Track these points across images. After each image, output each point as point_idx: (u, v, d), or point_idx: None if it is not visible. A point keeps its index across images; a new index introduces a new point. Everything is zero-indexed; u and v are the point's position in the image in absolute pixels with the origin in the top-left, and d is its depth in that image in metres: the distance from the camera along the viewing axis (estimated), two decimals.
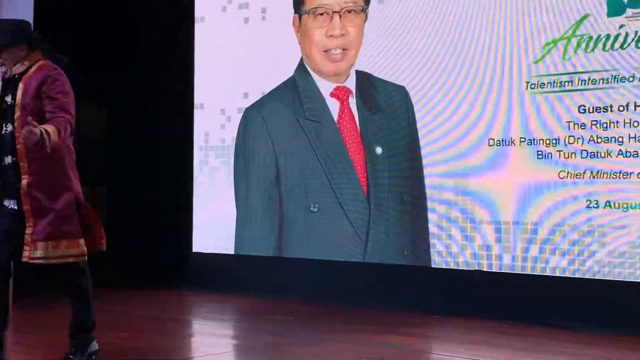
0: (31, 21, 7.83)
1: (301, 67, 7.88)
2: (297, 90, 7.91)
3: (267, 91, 8.05)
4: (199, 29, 8.53)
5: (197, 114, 8.57)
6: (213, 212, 8.43)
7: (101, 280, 9.53)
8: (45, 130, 3.95)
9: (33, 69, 4.37)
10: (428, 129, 7.06)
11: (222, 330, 6.75)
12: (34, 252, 4.38)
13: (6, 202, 4.42)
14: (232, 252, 8.25)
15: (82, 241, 4.51)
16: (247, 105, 8.14)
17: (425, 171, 7.04)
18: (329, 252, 7.56)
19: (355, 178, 7.43)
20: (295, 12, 7.85)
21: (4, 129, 4.37)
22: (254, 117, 8.10)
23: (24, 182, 4.30)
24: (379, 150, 7.32)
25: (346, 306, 7.24)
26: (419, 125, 7.11)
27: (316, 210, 7.61)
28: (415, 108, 7.13)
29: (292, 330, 6.28)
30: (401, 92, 7.19)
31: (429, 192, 7.02)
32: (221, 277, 8.30)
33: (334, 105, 7.61)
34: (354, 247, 7.39)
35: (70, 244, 4.46)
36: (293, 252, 7.87)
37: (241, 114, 8.17)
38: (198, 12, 8.51)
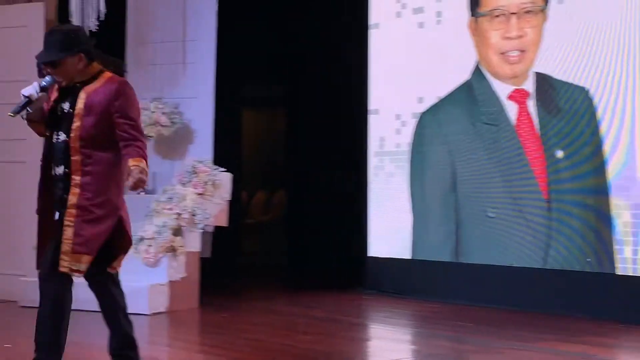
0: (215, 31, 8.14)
1: (477, 70, 7.79)
2: (473, 94, 7.82)
3: (442, 95, 8.01)
4: (374, 35, 8.59)
5: (372, 120, 8.63)
6: (389, 217, 8.46)
7: (281, 283, 9.89)
8: (144, 170, 3.96)
9: (100, 81, 4.15)
10: (612, 130, 6.81)
11: (400, 335, 6.81)
12: (76, 265, 4.14)
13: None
14: (409, 257, 8.23)
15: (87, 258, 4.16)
16: (423, 110, 8.13)
17: (609, 174, 6.79)
18: (508, 258, 7.44)
19: (534, 183, 7.29)
20: (471, 15, 7.79)
21: (56, 137, 4.14)
22: (430, 121, 8.09)
23: (72, 196, 4.06)
24: (559, 154, 7.13)
25: (526, 313, 7.10)
26: (602, 126, 6.87)
27: (494, 215, 7.51)
28: (598, 109, 6.90)
29: (472, 337, 6.24)
30: (583, 94, 6.97)
31: (613, 195, 6.77)
32: (398, 282, 8.32)
33: (511, 109, 7.48)
34: (534, 253, 7.24)
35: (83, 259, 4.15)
36: (471, 257, 7.79)
37: (416, 119, 8.17)
38: (372, 18, 8.57)
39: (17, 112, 4.13)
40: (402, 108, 8.31)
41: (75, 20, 7.72)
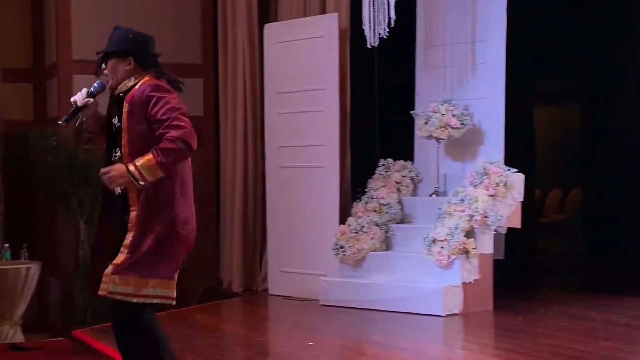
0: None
1: None
2: None
3: None
4: None
5: None
6: None
7: (579, 285, 9.59)
8: (135, 167, 3.71)
9: (137, 86, 3.94)
10: None
11: None
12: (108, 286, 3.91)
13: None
14: None
15: (152, 281, 3.95)
16: None
17: None
18: None
19: None
20: None
21: (114, 154, 3.98)
22: None
23: (133, 214, 3.90)
24: None
25: None
26: None
27: None
28: None
29: None
30: None
31: None
32: None
33: None
34: None
35: (140, 283, 3.92)
36: None
37: None
38: None
39: (66, 120, 4.03)
40: None
41: (367, 27, 7.98)
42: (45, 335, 8.55)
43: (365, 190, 8.58)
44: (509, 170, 7.73)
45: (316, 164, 8.84)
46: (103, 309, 8.74)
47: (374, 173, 8.69)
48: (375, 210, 8.29)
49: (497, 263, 7.73)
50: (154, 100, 3.84)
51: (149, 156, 3.73)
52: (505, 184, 7.61)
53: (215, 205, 10.33)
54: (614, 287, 8.65)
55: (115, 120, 3.98)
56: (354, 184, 8.91)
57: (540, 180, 11.66)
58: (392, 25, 7.80)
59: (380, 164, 8.70)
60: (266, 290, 9.28)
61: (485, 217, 7.42)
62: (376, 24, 7.88)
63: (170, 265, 4.00)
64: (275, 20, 9.65)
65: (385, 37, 7.88)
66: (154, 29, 9.94)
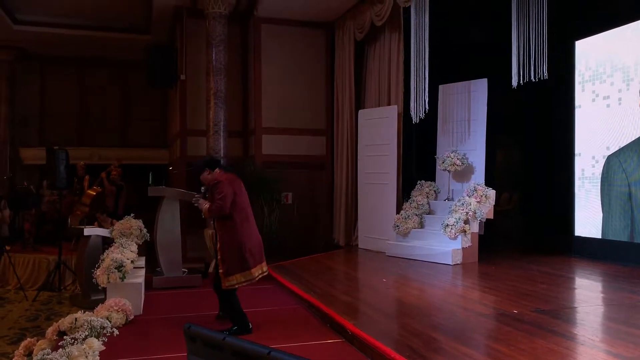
0: None
1: None
2: None
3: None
4: None
5: None
6: None
7: (521, 248, 8.78)
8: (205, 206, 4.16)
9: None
10: None
11: None
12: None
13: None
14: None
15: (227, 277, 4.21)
16: None
17: None
18: None
19: None
20: None
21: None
22: None
23: (219, 245, 4.21)
24: None
25: None
26: None
27: None
28: None
29: None
30: None
31: None
32: None
33: None
34: None
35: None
36: None
37: None
38: None
39: (202, 193, 4.46)
40: None
41: (412, 112, 7.29)
42: None
43: (410, 196, 8.46)
44: (488, 188, 7.54)
45: (384, 182, 8.72)
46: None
47: (414, 187, 8.54)
48: (415, 207, 8.19)
49: (480, 237, 7.49)
50: (213, 188, 4.18)
51: (210, 207, 4.16)
52: (485, 196, 7.44)
53: (331, 201, 10.07)
54: (541, 249, 8.26)
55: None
56: (404, 193, 8.73)
57: (498, 187, 11.26)
58: (426, 111, 7.64)
59: (418, 183, 8.55)
60: (357, 245, 9.12)
61: (475, 213, 7.30)
62: (417, 111, 7.78)
63: (241, 265, 4.19)
64: (364, 107, 9.49)
65: (422, 117, 7.50)
66: (300, 109, 10.16)
